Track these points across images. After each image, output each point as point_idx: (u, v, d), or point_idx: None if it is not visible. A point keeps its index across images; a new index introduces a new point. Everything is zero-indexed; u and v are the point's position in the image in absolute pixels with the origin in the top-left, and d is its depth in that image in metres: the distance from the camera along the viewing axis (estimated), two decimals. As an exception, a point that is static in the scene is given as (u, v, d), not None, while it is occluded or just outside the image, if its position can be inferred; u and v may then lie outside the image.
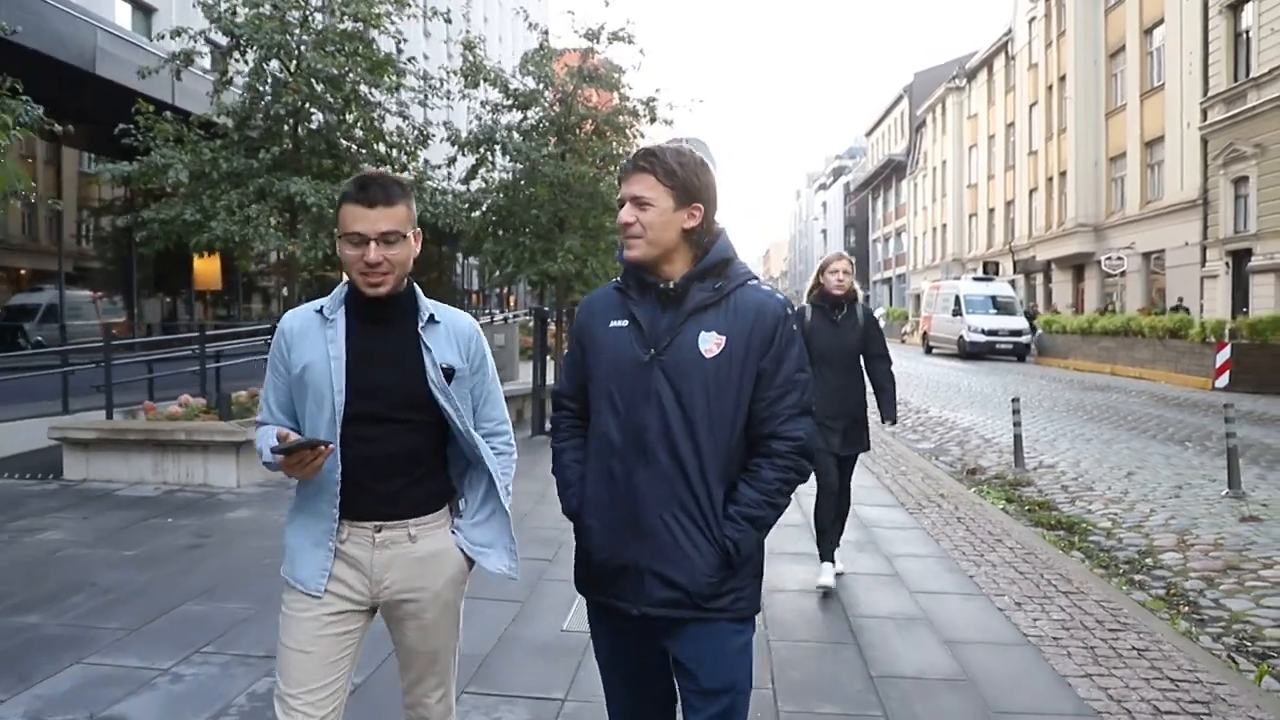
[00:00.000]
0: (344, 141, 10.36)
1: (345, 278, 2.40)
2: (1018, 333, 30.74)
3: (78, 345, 13.65)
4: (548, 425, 11.59)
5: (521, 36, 40.23)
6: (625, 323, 2.29)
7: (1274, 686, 4.47)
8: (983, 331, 30.62)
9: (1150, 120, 31.50)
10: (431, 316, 2.42)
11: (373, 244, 2.25)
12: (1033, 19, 40.80)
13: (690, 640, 2.24)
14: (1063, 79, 37.09)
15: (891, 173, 68.04)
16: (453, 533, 2.46)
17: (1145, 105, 31.89)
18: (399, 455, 2.36)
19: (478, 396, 2.50)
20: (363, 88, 9.80)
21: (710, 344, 2.22)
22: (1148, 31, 31.82)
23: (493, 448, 2.51)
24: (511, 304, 42.97)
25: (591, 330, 2.36)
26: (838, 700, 3.97)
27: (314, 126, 10.25)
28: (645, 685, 2.39)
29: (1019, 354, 30.55)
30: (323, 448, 2.18)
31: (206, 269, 17.85)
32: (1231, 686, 4.16)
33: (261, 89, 9.66)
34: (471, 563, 2.48)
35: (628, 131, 11.80)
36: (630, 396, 2.24)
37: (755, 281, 2.33)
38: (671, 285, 2.26)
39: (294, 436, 2.20)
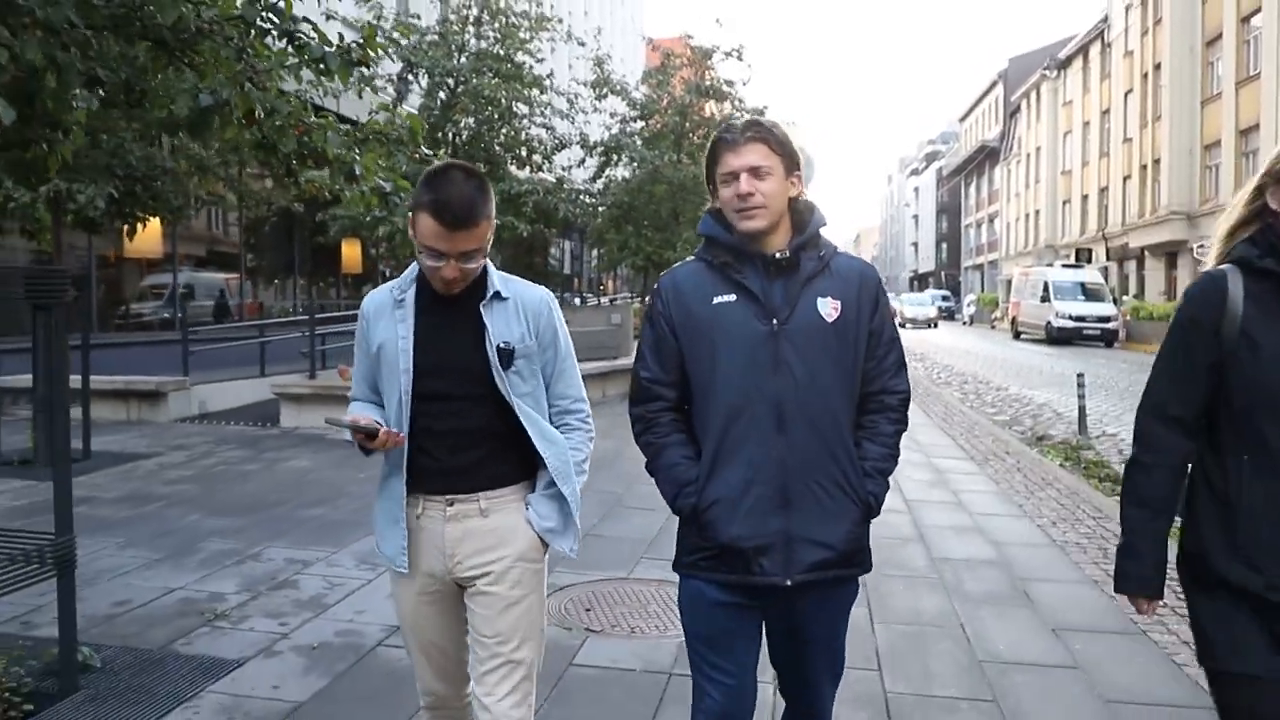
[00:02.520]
0: (496, 147, 12.22)
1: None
2: (1105, 319, 31.33)
3: (266, 321, 15.88)
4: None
5: (631, 45, 42.14)
6: (733, 297, 2.28)
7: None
8: (1070, 317, 31.32)
9: (1246, 108, 31.65)
10: (498, 293, 2.39)
11: (452, 261, 2.25)
12: (1129, 6, 40.82)
13: (825, 599, 2.33)
14: (1158, 67, 37.23)
15: (985, 158, 67.90)
16: (526, 505, 2.44)
17: (1241, 93, 32.02)
18: (467, 431, 2.36)
19: (549, 373, 2.46)
20: (517, 105, 11.63)
21: (829, 308, 2.27)
22: (1245, 19, 31.92)
23: (566, 424, 2.50)
24: (609, 288, 44.87)
25: (689, 309, 2.32)
26: (907, 569, 5.61)
27: (467, 136, 12.14)
28: (746, 657, 2.39)
29: (1107, 340, 31.16)
30: (381, 433, 2.25)
31: (351, 254, 20.05)
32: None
33: (433, 105, 11.57)
34: (545, 543, 2.46)
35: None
36: (757, 370, 2.24)
37: (842, 250, 2.42)
38: (783, 255, 2.28)
39: (366, 418, 2.30)
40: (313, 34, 3.28)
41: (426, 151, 4.29)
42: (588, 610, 4.76)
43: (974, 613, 4.85)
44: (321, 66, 3.26)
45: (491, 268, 2.41)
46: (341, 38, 3.49)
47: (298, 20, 3.30)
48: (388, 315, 2.40)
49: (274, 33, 3.35)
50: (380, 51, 3.64)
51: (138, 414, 11.18)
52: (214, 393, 12.13)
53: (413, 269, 2.41)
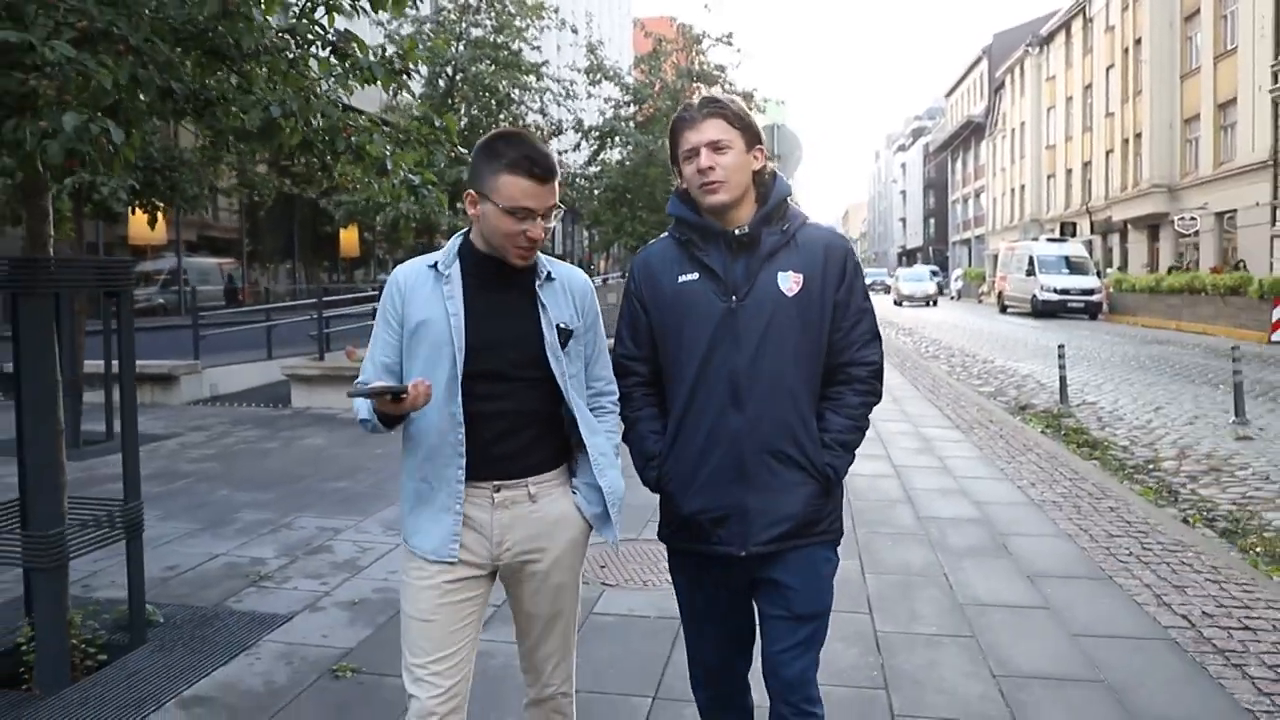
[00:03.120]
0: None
1: (464, 233, 2.37)
2: (1089, 291, 31.85)
3: (273, 305, 16.20)
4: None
5: (619, 24, 42.19)
6: (695, 275, 2.31)
7: (1209, 534, 6.36)
8: (1055, 290, 31.84)
9: (1224, 83, 32.08)
10: (549, 274, 2.37)
11: (539, 219, 2.22)
12: (1111, -19, 41.16)
13: (788, 567, 2.33)
14: (1138, 42, 37.60)
15: (970, 134, 68.27)
16: (573, 492, 2.41)
17: (1219, 68, 32.44)
18: (518, 413, 2.30)
19: (590, 355, 2.44)
20: (514, 92, 11.95)
21: (790, 283, 2.28)
22: (1223, -6, 32.33)
23: (602, 406, 2.47)
24: (600, 267, 45.24)
25: (657, 287, 2.37)
26: (895, 527, 6.04)
27: (466, 123, 12.46)
28: (731, 627, 2.48)
29: (1091, 312, 31.69)
30: (410, 388, 2.13)
31: (349, 239, 20.37)
32: (1178, 532, 6.06)
33: (433, 94, 11.88)
34: (591, 526, 2.44)
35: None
36: (717, 346, 2.27)
37: (812, 220, 2.40)
38: (742, 231, 2.30)
39: (380, 384, 2.20)
40: (356, 48, 3.65)
41: (462, 150, 4.61)
42: (602, 567, 5.18)
43: (956, 564, 5.28)
44: (368, 75, 3.63)
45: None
46: (384, 49, 3.86)
47: (340, 34, 3.66)
48: (428, 290, 2.29)
49: (318, 45, 3.71)
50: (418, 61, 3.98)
51: (150, 397, 11.52)
52: (224, 375, 12.50)
53: (453, 244, 2.35)
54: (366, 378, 2.33)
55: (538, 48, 12.91)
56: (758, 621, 2.46)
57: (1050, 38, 50.53)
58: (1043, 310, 31.71)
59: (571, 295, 2.38)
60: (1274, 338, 20.74)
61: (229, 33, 3.05)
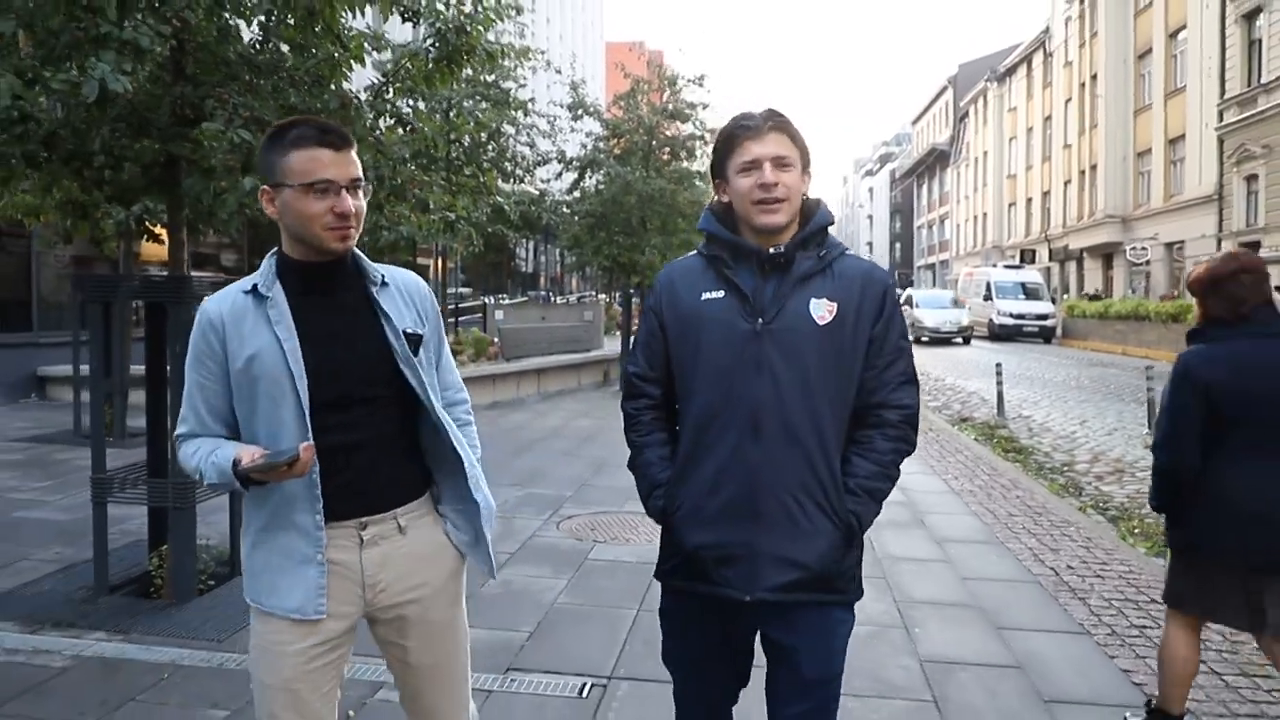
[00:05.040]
0: (485, 163, 13.76)
1: (275, 251, 2.12)
2: (1043, 316, 33.41)
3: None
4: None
5: (592, 48, 43.57)
6: (721, 293, 2.17)
7: (1099, 519, 7.62)
8: (1011, 315, 33.38)
9: (1173, 119, 33.90)
10: (383, 278, 2.16)
11: (344, 192, 2.01)
12: (1068, 19, 43.06)
13: (800, 627, 2.17)
14: (1094, 77, 39.46)
15: (935, 161, 70.27)
16: (440, 515, 2.23)
17: (1169, 105, 34.27)
18: (375, 440, 2.10)
19: (436, 362, 2.26)
20: (504, 126, 13.17)
21: (823, 310, 2.13)
22: (1172, 35, 34.15)
23: (455, 419, 2.27)
24: (573, 286, 46.46)
25: (678, 304, 2.23)
26: (834, 507, 7.27)
27: (459, 151, 13.65)
28: (722, 672, 2.32)
29: (1045, 336, 33.21)
30: (301, 453, 1.88)
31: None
32: (1069, 515, 7.31)
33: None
34: (464, 557, 2.25)
35: (696, 152, 15.13)
36: (738, 370, 2.12)
37: (851, 252, 2.26)
38: (777, 251, 2.16)
39: (258, 453, 1.93)
40: (417, 120, 4.84)
41: (499, 199, 5.77)
42: (592, 530, 6.35)
43: (879, 534, 6.48)
44: (428, 140, 4.80)
45: (362, 254, 2.16)
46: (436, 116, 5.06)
47: (401, 109, 4.86)
48: (251, 318, 2.03)
49: (386, 115, 4.89)
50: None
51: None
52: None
53: (266, 262, 2.10)
54: (189, 429, 2.11)
55: (524, 85, 14.14)
56: (766, 671, 2.30)
57: (1012, 70, 52.52)
58: (999, 334, 33.20)
59: (410, 298, 2.19)
60: (1207, 361, 22.21)
61: (342, 120, 4.22)
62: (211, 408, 2.09)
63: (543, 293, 31.94)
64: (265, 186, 2.06)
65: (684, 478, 2.21)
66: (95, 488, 4.94)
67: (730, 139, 2.21)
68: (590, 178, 15.22)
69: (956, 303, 34.13)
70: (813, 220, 2.22)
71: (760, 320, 2.14)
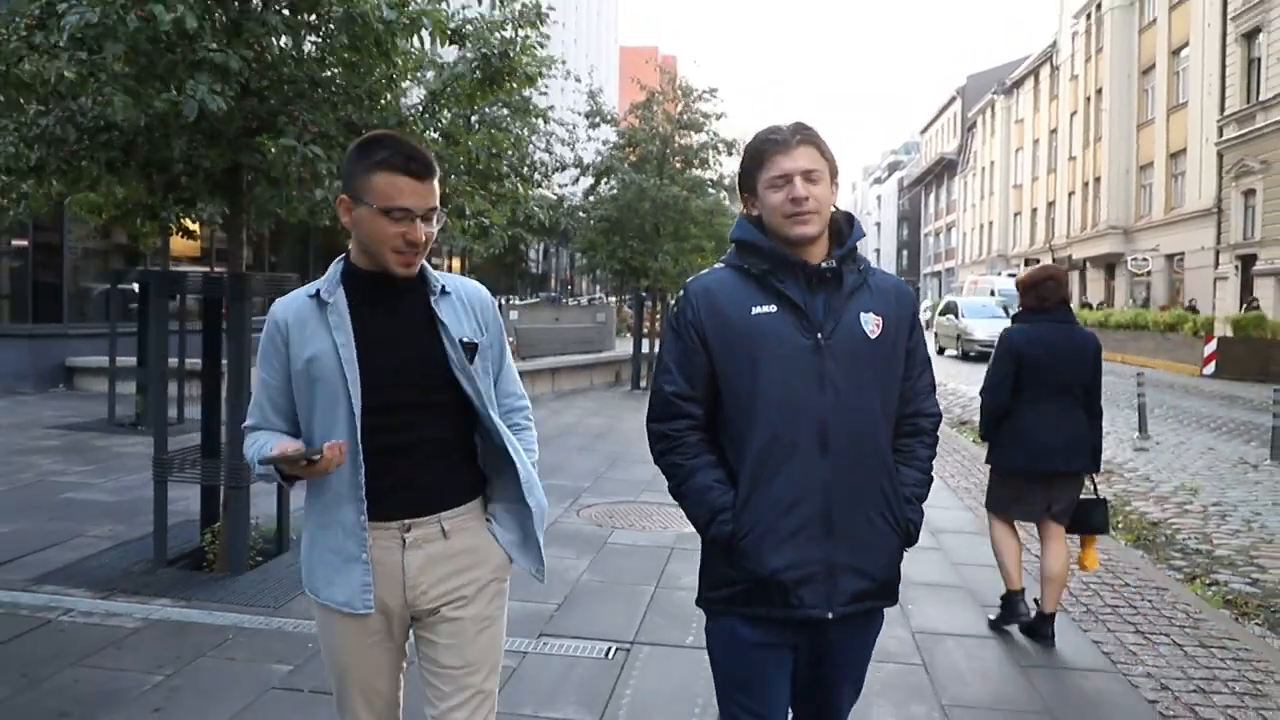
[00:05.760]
0: (506, 168, 14.20)
1: (343, 256, 2.20)
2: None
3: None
4: (642, 382, 15.53)
5: (607, 50, 44.00)
6: (773, 307, 2.14)
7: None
8: (1012, 323, 33.76)
9: (1175, 134, 34.35)
10: (443, 288, 2.20)
11: (419, 221, 2.06)
12: (1075, 34, 43.53)
13: (856, 633, 2.23)
14: (1099, 91, 39.92)
15: (943, 170, 70.75)
16: (488, 520, 2.27)
17: (1171, 120, 34.73)
18: (424, 444, 2.16)
19: (496, 371, 2.29)
20: (524, 131, 13.62)
21: (872, 325, 2.16)
22: (1175, 52, 34.61)
23: (515, 424, 2.32)
24: (582, 288, 46.96)
25: (723, 319, 2.17)
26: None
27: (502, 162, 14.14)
28: (780, 698, 2.27)
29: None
30: (325, 451, 1.97)
31: (355, 255, 22.01)
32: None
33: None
34: (510, 559, 2.28)
35: (710, 162, 15.59)
36: (801, 387, 2.11)
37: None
38: (828, 265, 2.17)
39: (294, 445, 2.06)
40: (459, 135, 5.29)
41: (535, 207, 6.23)
42: (610, 518, 6.79)
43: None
44: (474, 157, 5.26)
45: (428, 265, 2.22)
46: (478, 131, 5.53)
47: (447, 124, 5.32)
48: (313, 322, 2.12)
49: (433, 129, 5.36)
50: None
51: (197, 390, 13.00)
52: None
53: (334, 269, 2.18)
54: (254, 422, 2.22)
55: (545, 93, 14.60)
56: (797, 682, 2.30)
57: (1020, 83, 52.99)
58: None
59: (471, 307, 2.24)
60: (1205, 371, 22.66)
61: (377, 119, 4.71)
62: (275, 404, 2.19)
63: (554, 294, 32.45)
64: (344, 195, 2.11)
65: (749, 500, 2.13)
66: (156, 467, 5.37)
67: (759, 154, 2.21)
68: (606, 184, 15.69)
69: (1008, 311, 32.87)
70: (851, 235, 2.24)
71: (820, 335, 2.13)
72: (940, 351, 29.67)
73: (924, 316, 53.64)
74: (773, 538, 2.11)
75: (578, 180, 15.71)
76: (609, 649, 4.33)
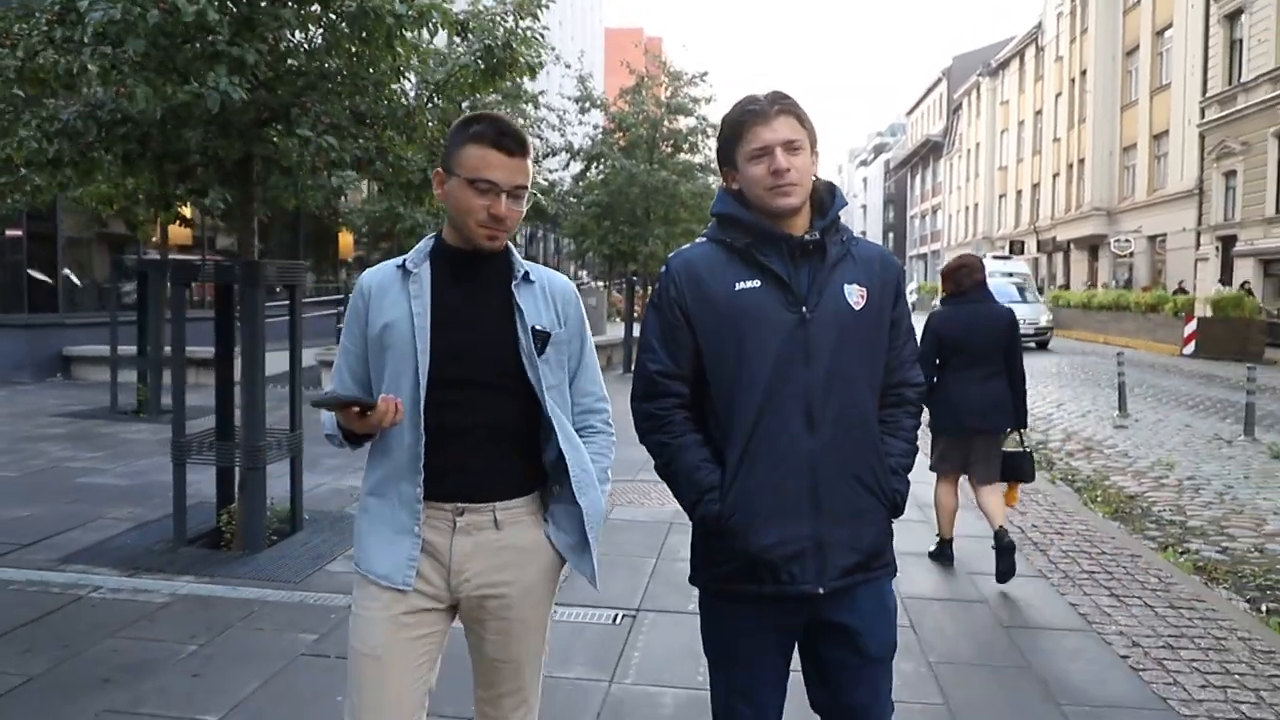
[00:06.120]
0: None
1: (436, 233, 2.22)
2: (1042, 330, 34.07)
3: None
4: (634, 366, 15.63)
5: (593, 33, 43.99)
6: (757, 282, 2.11)
7: (1066, 489, 8.31)
8: (998, 304, 34.13)
9: (1158, 115, 34.69)
10: (526, 274, 2.18)
11: (504, 196, 2.06)
12: (1060, 14, 43.78)
13: (858, 606, 2.17)
14: (1084, 73, 40.21)
15: (929, 152, 71.03)
16: (545, 520, 2.21)
17: (1154, 101, 35.06)
18: (486, 427, 2.12)
19: (573, 367, 2.25)
20: (517, 118, 13.81)
21: (856, 296, 2.14)
22: (1159, 33, 34.91)
23: (591, 426, 2.28)
24: (572, 272, 47.21)
25: (706, 293, 2.13)
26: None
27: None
28: (778, 673, 2.24)
29: (1042, 344, 33.93)
30: (380, 403, 2.01)
31: (346, 242, 22.11)
32: (1039, 485, 7.95)
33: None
34: (564, 560, 2.22)
35: (700, 146, 15.80)
36: (788, 361, 2.08)
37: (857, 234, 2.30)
38: (811, 237, 2.13)
39: (348, 395, 2.06)
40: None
41: (537, 194, 6.45)
42: (609, 496, 7.04)
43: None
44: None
45: (514, 249, 2.23)
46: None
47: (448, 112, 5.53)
48: (395, 291, 2.13)
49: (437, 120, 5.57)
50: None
51: (196, 379, 13.18)
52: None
53: (425, 242, 2.21)
54: (333, 389, 2.18)
55: (535, 79, 14.79)
56: (814, 670, 2.27)
57: (1005, 64, 53.24)
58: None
59: (552, 298, 2.22)
60: (1185, 351, 23.05)
61: (406, 123, 4.89)
62: (353, 371, 2.19)
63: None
64: (439, 169, 2.15)
65: (736, 478, 2.12)
66: (175, 450, 5.59)
67: (737, 125, 2.16)
68: (595, 169, 15.89)
69: (1023, 291, 28.03)
70: (833, 206, 2.20)
71: (805, 309, 2.10)
72: None
73: (913, 298, 53.28)
74: (760, 515, 2.09)
75: (568, 165, 15.89)
76: (616, 615, 4.60)
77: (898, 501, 2.20)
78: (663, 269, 2.26)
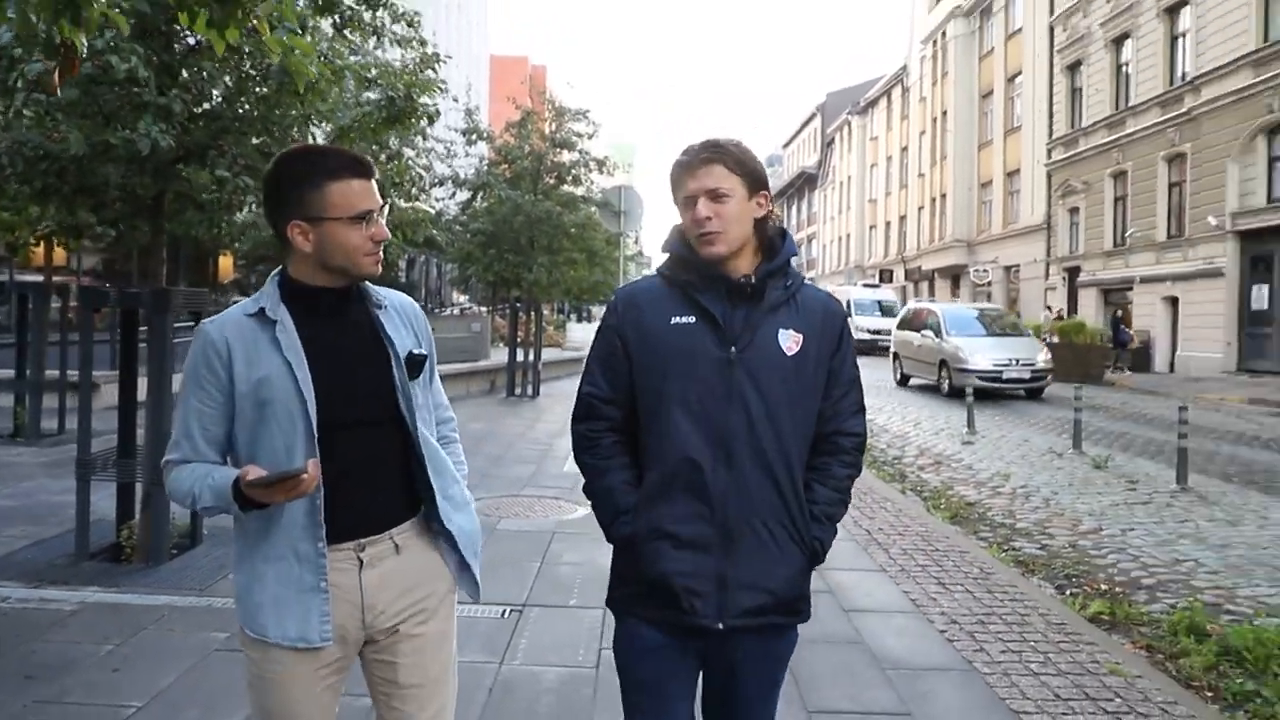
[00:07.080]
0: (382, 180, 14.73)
1: (278, 271, 2.13)
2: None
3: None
4: (517, 390, 16.24)
5: (478, 60, 44.29)
6: (692, 319, 2.17)
7: (914, 498, 9.18)
8: (868, 331, 35.80)
9: (1011, 154, 37.18)
10: (379, 302, 2.18)
11: (380, 220, 2.06)
12: (924, 58, 46.39)
13: (760, 648, 2.22)
14: (945, 113, 42.74)
15: (804, 183, 73.67)
16: (434, 533, 2.21)
17: (1008, 141, 37.56)
18: (375, 460, 2.12)
19: (429, 382, 2.26)
20: (404, 148, 14.17)
21: (790, 341, 2.17)
22: (1011, 79, 37.47)
23: (444, 436, 2.32)
24: (454, 298, 47.17)
25: (644, 326, 2.20)
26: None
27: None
28: (682, 702, 2.28)
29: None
30: (309, 470, 1.89)
31: (225, 265, 21.93)
32: (889, 494, 8.82)
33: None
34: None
35: (582, 179, 16.48)
36: (710, 398, 2.14)
37: (808, 282, 2.34)
38: (747, 280, 2.18)
39: (261, 473, 1.91)
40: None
41: (430, 226, 6.93)
42: (497, 509, 7.52)
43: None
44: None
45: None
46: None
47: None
48: (260, 342, 2.04)
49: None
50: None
51: (73, 401, 13.05)
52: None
53: (270, 285, 2.11)
54: (182, 455, 2.07)
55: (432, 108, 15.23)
56: (707, 693, 2.36)
57: (874, 102, 55.95)
58: (858, 348, 35.21)
59: (409, 320, 2.23)
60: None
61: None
62: (207, 433, 2.07)
63: (423, 305, 32.75)
64: (297, 221, 2.02)
65: (652, 504, 2.17)
66: (79, 467, 5.82)
67: (673, 174, 2.24)
68: (481, 198, 16.36)
69: (999, 326, 20.95)
70: (781, 252, 2.24)
71: (733, 349, 2.14)
72: (904, 382, 21.93)
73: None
74: (669, 543, 2.14)
75: (454, 195, 16.34)
76: (504, 610, 5.09)
77: (817, 549, 2.22)
78: (612, 297, 2.39)
